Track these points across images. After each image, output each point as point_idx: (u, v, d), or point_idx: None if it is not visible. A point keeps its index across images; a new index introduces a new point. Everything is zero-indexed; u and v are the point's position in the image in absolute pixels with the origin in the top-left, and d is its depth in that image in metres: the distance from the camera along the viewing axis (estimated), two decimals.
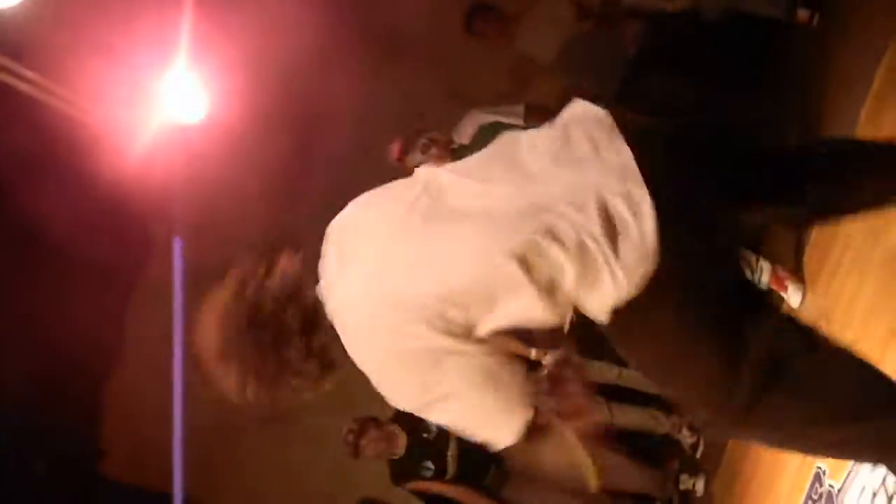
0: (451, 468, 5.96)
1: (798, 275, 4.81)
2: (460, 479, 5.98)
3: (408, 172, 5.35)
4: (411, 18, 7.30)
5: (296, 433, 8.21)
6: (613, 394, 6.13)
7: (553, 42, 6.12)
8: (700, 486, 5.72)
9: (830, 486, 3.85)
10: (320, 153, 7.79)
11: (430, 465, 5.99)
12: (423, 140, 5.22)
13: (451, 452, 5.96)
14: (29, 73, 5.81)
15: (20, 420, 7.14)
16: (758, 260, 4.88)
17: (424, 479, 5.99)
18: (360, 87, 7.42)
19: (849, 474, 3.67)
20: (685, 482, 5.87)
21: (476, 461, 5.95)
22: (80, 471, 8.13)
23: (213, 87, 6.47)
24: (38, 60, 5.78)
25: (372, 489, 6.41)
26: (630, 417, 6.09)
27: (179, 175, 7.36)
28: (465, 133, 5.27)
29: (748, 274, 4.87)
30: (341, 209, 2.90)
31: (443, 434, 5.95)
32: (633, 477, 6.00)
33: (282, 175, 7.76)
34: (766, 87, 5.97)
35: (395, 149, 5.31)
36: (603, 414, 6.03)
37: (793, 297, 4.78)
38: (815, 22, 5.88)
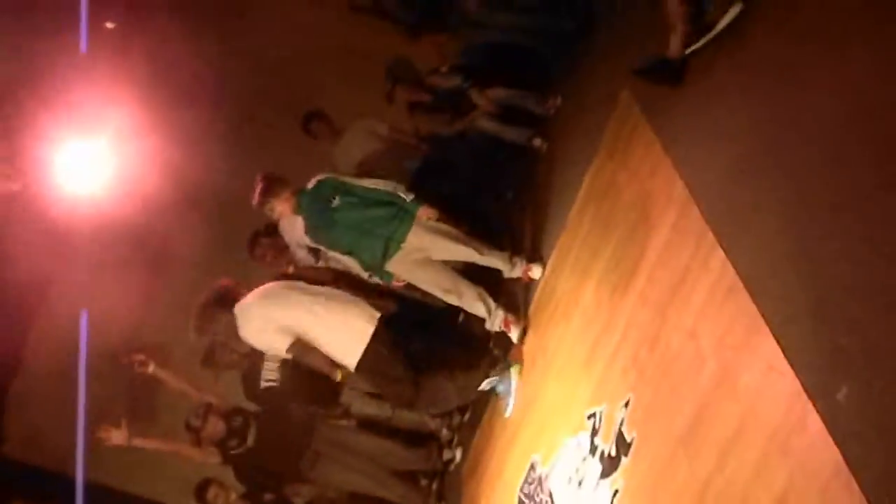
0: None
1: (521, 321, 4.86)
2: None
3: (265, 214, 5.26)
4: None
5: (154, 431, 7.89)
6: None
7: (360, 152, 5.97)
8: (458, 454, 5.65)
9: (541, 471, 3.86)
10: (195, 222, 7.57)
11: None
12: (269, 197, 5.06)
13: None
14: None
15: None
16: (496, 308, 4.91)
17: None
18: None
19: (553, 463, 3.73)
20: (447, 454, 5.81)
21: None
22: None
23: (116, 165, 6.23)
24: None
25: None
26: (407, 418, 6.03)
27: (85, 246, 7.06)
28: (312, 182, 5.13)
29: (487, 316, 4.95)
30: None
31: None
32: (407, 458, 5.92)
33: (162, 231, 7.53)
34: (507, 189, 6.16)
35: (255, 194, 5.14)
36: (386, 413, 5.97)
37: (514, 335, 4.81)
38: (544, 148, 6.06)
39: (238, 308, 4.69)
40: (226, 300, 4.79)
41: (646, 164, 3.63)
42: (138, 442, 5.50)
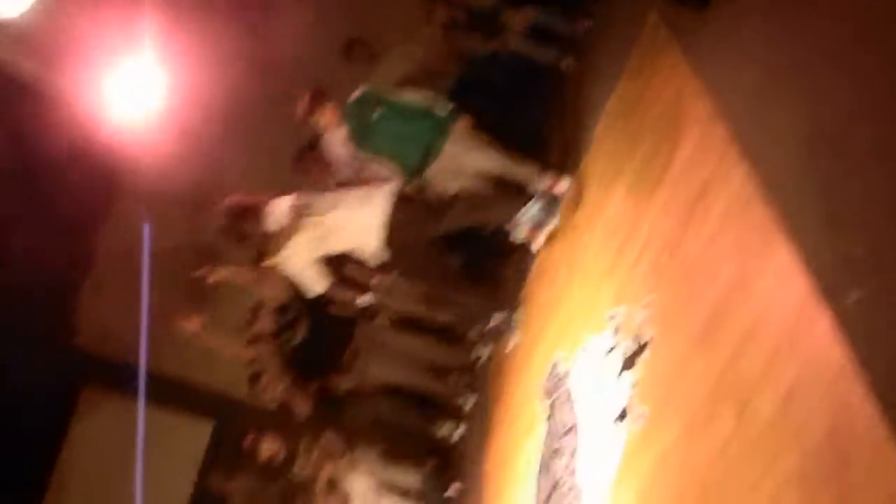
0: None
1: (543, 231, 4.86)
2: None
3: (310, 127, 5.29)
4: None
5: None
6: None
7: (398, 74, 5.76)
8: (487, 352, 5.69)
9: (563, 367, 3.92)
10: (247, 129, 7.55)
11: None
12: (316, 107, 5.10)
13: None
14: (32, 65, 5.49)
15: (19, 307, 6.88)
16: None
17: None
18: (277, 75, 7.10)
19: (574, 360, 3.80)
20: (477, 351, 5.84)
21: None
22: (61, 342, 7.86)
23: (169, 79, 6.22)
24: (40, 55, 5.47)
25: None
26: (440, 318, 6.06)
27: (147, 164, 7.07)
28: (354, 95, 5.14)
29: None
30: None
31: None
32: (440, 353, 5.99)
33: (216, 148, 7.54)
34: (537, 106, 6.10)
35: (300, 109, 5.17)
36: (420, 312, 6.04)
37: (534, 246, 4.85)
38: (572, 68, 5.98)
39: None
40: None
41: (671, 83, 3.58)
42: (203, 335, 5.66)
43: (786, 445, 2.01)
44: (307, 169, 5.83)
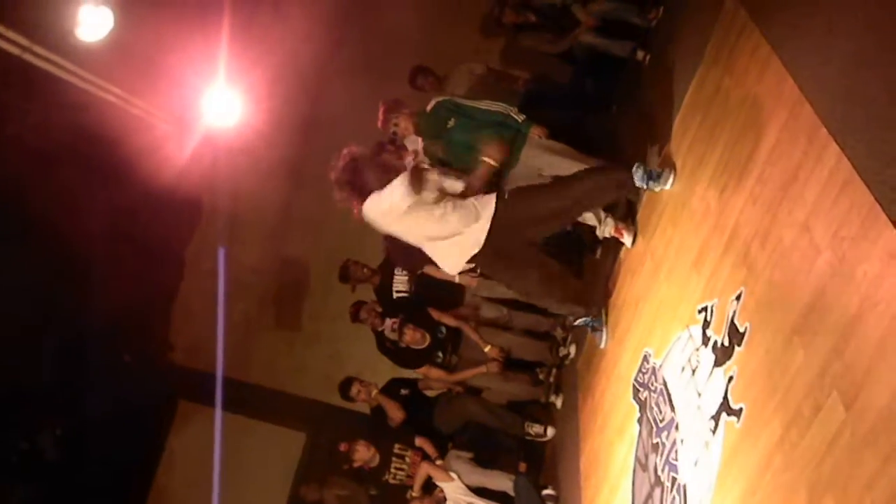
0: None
1: (631, 227, 4.74)
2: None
3: (387, 133, 5.31)
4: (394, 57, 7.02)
5: (299, 337, 8.14)
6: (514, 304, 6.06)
7: (464, 88, 5.76)
8: (573, 350, 5.64)
9: (654, 363, 3.83)
10: (323, 146, 7.59)
11: (440, 354, 5.86)
12: (394, 113, 5.12)
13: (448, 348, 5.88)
14: (113, 88, 5.62)
15: (114, 327, 7.06)
16: (606, 216, 4.81)
17: (434, 364, 5.84)
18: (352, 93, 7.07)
19: (666, 354, 3.68)
20: (563, 350, 5.81)
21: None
22: (155, 359, 8.05)
23: (244, 98, 6.32)
24: (118, 77, 5.60)
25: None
26: (524, 319, 6.04)
27: (223, 192, 7.18)
28: (430, 105, 5.12)
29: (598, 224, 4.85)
30: None
31: (448, 336, 5.87)
32: (531, 348, 5.94)
33: (293, 163, 7.61)
34: (613, 101, 5.98)
35: (379, 116, 5.21)
36: (505, 316, 5.98)
37: (626, 241, 4.70)
38: (647, 60, 5.84)
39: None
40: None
41: (753, 67, 3.44)
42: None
43: None
44: (387, 161, 5.77)
